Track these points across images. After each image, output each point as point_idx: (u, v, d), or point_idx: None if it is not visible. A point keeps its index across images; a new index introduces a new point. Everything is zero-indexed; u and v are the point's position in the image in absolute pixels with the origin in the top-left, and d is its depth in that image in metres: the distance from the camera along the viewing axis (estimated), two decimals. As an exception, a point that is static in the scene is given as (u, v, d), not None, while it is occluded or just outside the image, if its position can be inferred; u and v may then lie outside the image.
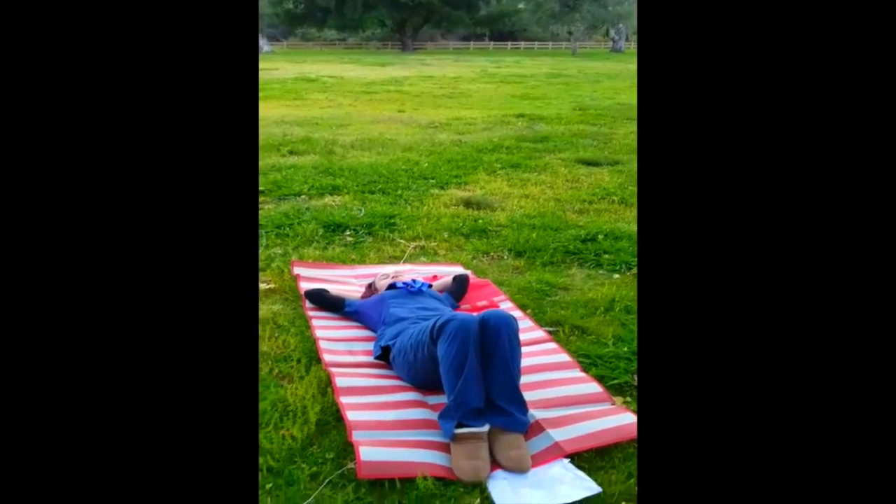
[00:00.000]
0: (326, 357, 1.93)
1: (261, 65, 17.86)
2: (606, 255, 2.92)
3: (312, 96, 10.24)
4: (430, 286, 2.30)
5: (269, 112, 7.99)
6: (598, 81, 13.95)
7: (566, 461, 1.47)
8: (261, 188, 4.08)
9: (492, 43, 40.30)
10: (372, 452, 1.45)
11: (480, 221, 3.45)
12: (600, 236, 3.16)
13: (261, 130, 6.42)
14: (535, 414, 1.62)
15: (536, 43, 39.27)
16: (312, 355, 1.96)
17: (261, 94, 9.90)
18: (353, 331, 2.17)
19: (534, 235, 3.17)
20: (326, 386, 1.76)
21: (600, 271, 2.78)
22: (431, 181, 4.42)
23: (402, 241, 3.17)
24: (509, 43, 39.45)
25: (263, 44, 29.93)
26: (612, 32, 33.64)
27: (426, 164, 4.93)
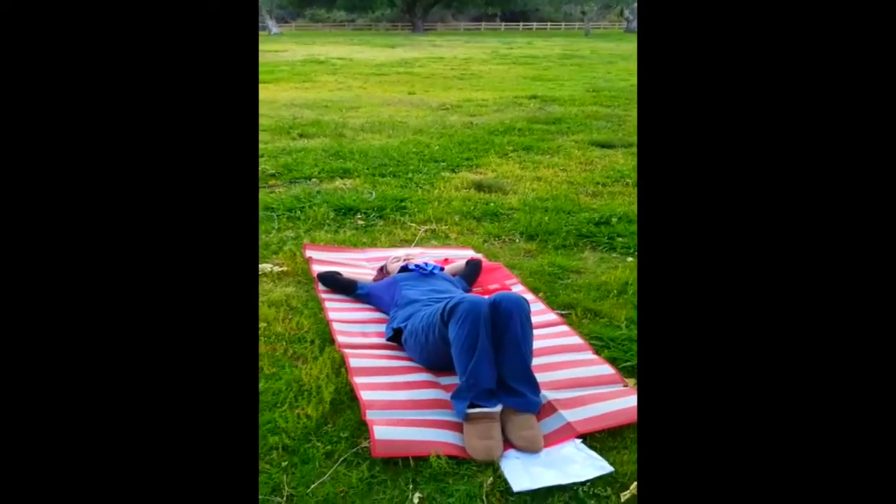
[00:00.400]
0: (340, 338, 1.94)
1: (269, 47, 17.83)
2: (620, 239, 2.90)
3: (322, 78, 10.19)
4: (442, 269, 2.30)
5: (279, 94, 7.98)
6: (612, 62, 13.73)
7: (578, 441, 1.48)
8: (272, 171, 4.09)
9: (503, 24, 39.75)
10: (386, 431, 1.47)
11: (492, 204, 3.43)
12: (614, 219, 3.14)
13: (271, 113, 6.41)
14: (548, 395, 1.63)
15: (549, 23, 38.66)
16: (326, 336, 1.98)
17: (270, 77, 9.87)
18: (366, 313, 2.18)
19: (546, 218, 3.15)
20: (340, 366, 1.78)
21: (613, 254, 2.76)
22: (442, 164, 4.40)
23: (413, 224, 3.17)
24: (521, 24, 38.87)
25: (272, 25, 29.75)
26: (626, 12, 33.02)
27: (437, 147, 4.90)
